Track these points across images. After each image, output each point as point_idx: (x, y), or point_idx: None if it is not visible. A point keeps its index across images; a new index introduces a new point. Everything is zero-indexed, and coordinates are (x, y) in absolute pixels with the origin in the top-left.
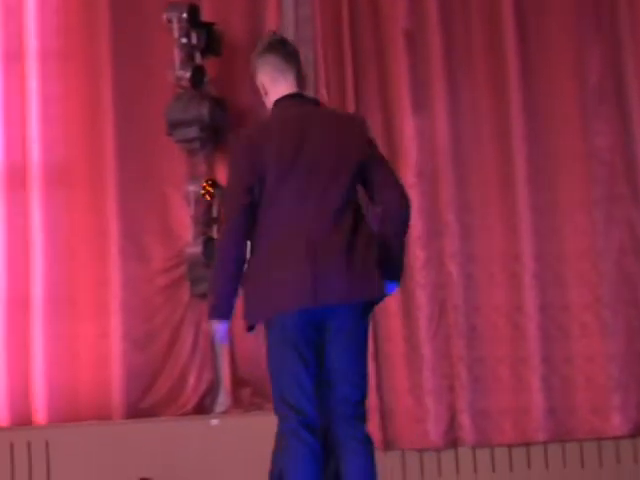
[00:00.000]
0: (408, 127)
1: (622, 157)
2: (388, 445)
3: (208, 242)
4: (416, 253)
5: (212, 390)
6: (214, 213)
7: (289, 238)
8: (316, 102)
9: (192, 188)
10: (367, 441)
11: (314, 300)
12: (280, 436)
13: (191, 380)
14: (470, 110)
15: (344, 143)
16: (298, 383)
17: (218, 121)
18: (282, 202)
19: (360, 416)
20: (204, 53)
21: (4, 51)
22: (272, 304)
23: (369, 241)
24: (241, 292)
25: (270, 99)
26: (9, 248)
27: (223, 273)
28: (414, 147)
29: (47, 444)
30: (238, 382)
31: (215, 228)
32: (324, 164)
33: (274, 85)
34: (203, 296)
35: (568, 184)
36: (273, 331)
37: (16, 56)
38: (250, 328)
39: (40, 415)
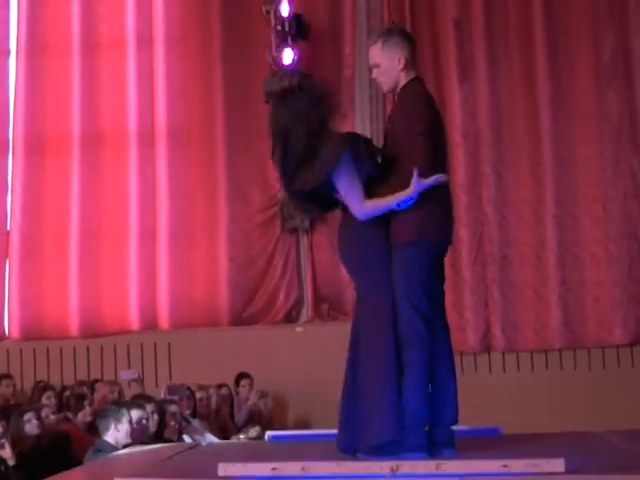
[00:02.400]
0: (455, 96)
1: (629, 121)
2: None
3: None
4: (460, 196)
5: (298, 304)
6: None
7: None
8: None
9: None
10: None
11: None
12: None
13: (281, 296)
14: (506, 82)
15: None
16: None
17: None
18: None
19: None
20: (294, 38)
21: (137, 38)
22: None
23: None
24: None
25: (402, 74)
26: (141, 193)
27: None
28: (459, 112)
29: (169, 345)
30: (318, 298)
31: None
32: None
33: (410, 66)
34: (293, 230)
35: (584, 142)
36: None
37: (147, 42)
38: None
39: (164, 322)
